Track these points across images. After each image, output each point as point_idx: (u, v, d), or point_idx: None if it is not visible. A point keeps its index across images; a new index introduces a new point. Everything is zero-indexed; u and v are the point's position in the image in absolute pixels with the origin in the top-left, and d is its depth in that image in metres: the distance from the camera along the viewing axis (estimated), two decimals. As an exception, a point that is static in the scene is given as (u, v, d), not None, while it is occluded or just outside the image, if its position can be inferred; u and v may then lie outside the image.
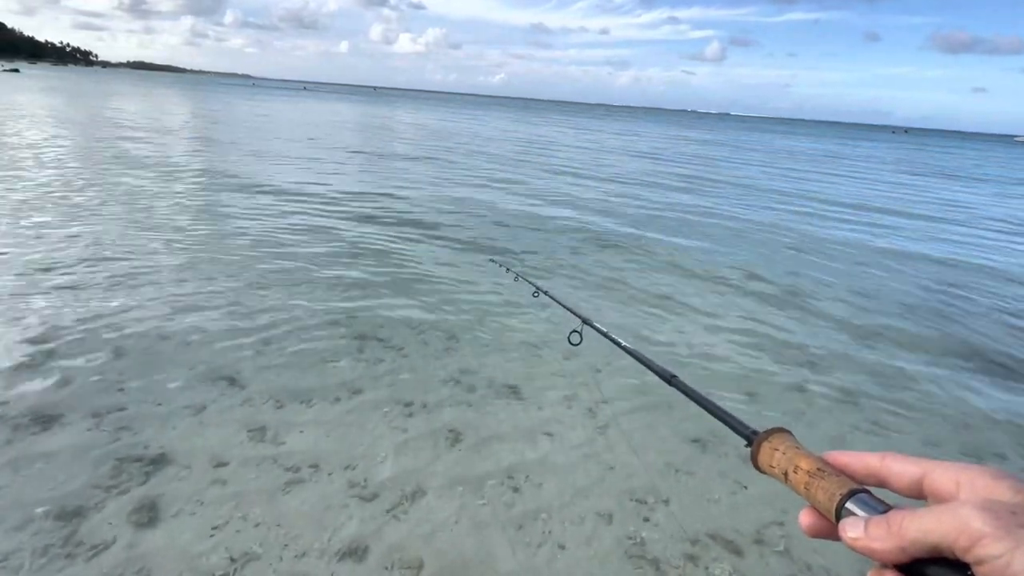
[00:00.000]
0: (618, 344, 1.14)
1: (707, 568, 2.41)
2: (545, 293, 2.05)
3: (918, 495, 0.39)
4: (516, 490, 2.76)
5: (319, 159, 14.52)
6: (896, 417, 3.81)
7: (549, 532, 2.52)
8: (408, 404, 3.46)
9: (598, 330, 1.31)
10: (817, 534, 0.44)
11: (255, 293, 4.99)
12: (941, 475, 0.37)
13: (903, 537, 0.35)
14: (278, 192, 9.70)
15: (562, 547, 2.45)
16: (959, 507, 0.33)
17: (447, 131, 30.18)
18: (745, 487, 2.95)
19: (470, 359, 4.11)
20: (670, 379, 0.83)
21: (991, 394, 4.28)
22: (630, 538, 2.53)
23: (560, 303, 1.76)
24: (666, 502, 2.78)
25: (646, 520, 2.63)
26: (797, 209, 12.44)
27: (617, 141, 32.45)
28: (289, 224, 7.60)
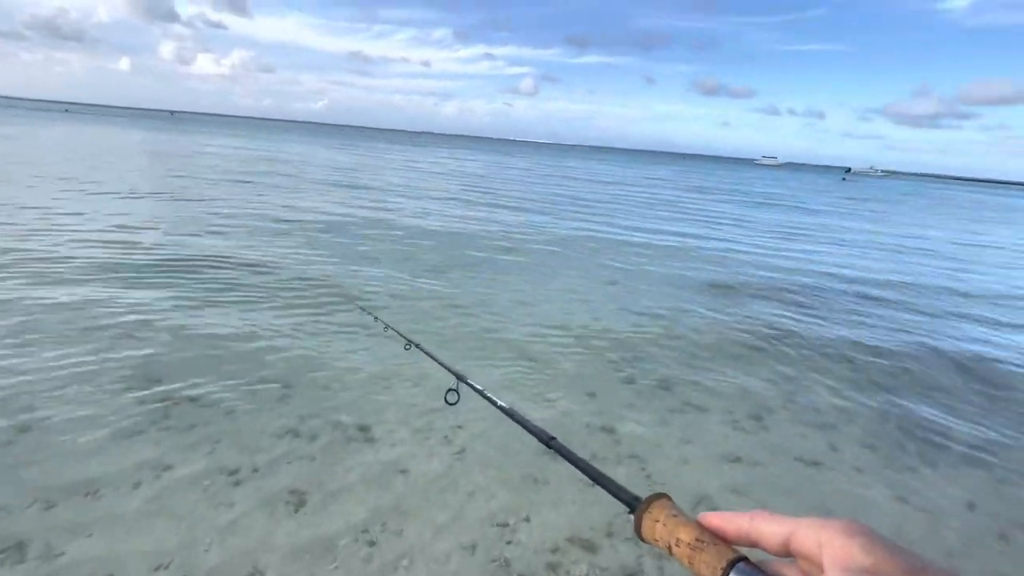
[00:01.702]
0: (494, 403, 1.11)
1: (568, 572, 2.50)
2: (417, 346, 1.93)
3: (787, 554, 0.42)
4: (372, 543, 2.55)
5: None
6: (693, 391, 4.48)
7: (413, 580, 2.37)
8: (234, 471, 2.98)
9: (473, 388, 1.28)
10: None
11: (5, 350, 3.87)
12: (805, 535, 0.40)
13: None
14: (44, 215, 7.75)
15: (428, 592, 2.32)
16: None
17: (241, 160, 27.65)
18: (592, 485, 3.16)
19: (309, 405, 3.73)
20: (548, 441, 0.82)
21: (766, 368, 5.30)
22: (494, 561, 2.51)
23: (434, 358, 1.67)
24: (527, 518, 2.83)
25: (509, 542, 2.64)
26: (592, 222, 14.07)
27: (420, 168, 33.16)
28: (56, 258, 6.11)
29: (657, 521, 0.49)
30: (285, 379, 4.06)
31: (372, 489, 2.94)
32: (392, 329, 2.50)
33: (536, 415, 3.88)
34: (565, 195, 20.77)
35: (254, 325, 5.06)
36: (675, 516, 0.49)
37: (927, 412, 4.51)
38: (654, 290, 7.67)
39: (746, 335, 6.06)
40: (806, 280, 9.21)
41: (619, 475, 3.27)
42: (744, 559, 0.42)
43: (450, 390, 1.38)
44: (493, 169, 34.34)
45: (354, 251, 8.49)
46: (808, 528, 0.40)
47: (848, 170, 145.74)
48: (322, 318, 5.41)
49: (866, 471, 3.55)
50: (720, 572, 0.42)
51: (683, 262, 9.85)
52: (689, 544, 0.45)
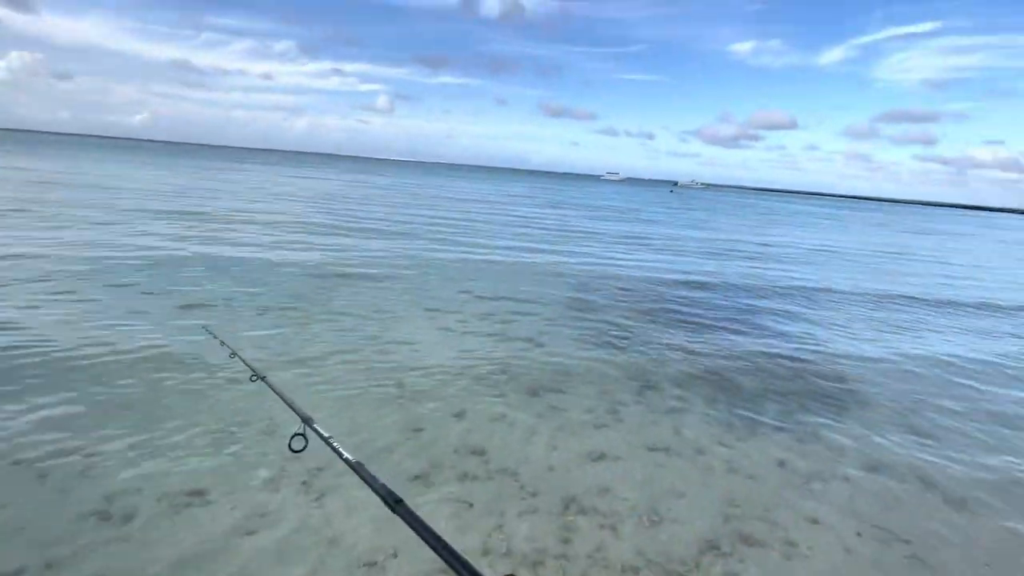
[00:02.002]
0: (340, 455, 0.97)
1: (444, 605, 2.40)
2: (263, 379, 1.69)
3: None
4: (210, 626, 2.18)
5: None
6: (558, 396, 4.70)
7: (264, 658, 2.07)
8: (15, 574, 2.36)
9: (319, 435, 1.13)
10: None
11: None
12: None
13: None
14: None
15: (283, 668, 2.04)
16: None
17: None
18: (470, 504, 3.10)
19: (122, 478, 3.11)
20: (395, 505, 0.73)
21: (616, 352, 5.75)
22: (363, 614, 2.31)
23: (281, 396, 1.46)
24: (395, 555, 2.66)
25: (376, 587, 2.46)
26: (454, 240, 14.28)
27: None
28: None
29: None
30: (88, 449, 3.35)
31: (210, 561, 2.53)
32: (238, 356, 2.22)
33: (402, 445, 3.71)
34: (427, 215, 20.69)
35: (35, 392, 4.13)
36: None
37: (746, 393, 5.26)
38: (516, 307, 7.93)
39: (601, 340, 6.54)
40: (647, 286, 10.27)
41: (491, 490, 3.26)
42: None
43: (296, 435, 1.23)
44: (351, 189, 32.94)
45: (180, 290, 7.43)
46: None
47: (675, 184, 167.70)
48: (139, 363, 4.61)
49: (705, 450, 4.00)
50: None
51: (541, 277, 10.35)
52: None
